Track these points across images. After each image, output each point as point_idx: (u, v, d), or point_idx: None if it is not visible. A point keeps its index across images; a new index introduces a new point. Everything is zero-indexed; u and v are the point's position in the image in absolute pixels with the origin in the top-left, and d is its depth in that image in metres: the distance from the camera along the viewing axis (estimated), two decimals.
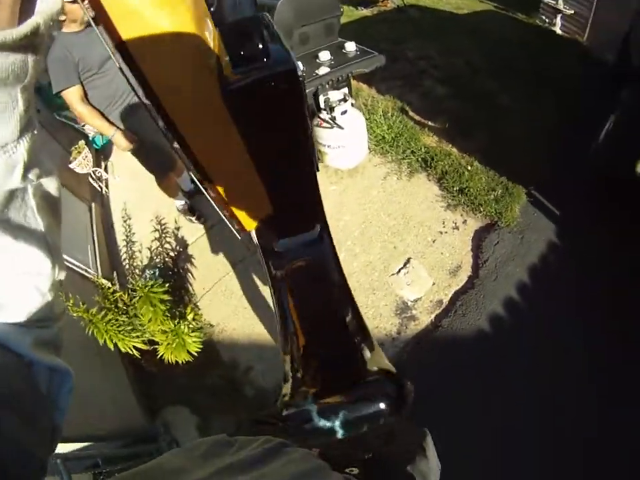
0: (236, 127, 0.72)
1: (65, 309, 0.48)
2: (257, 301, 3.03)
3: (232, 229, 1.24)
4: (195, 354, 2.56)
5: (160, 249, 3.55)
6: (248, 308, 3.03)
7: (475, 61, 5.05)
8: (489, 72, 4.80)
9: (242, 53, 0.72)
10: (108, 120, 2.79)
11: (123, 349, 2.49)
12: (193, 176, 1.04)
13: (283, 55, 0.73)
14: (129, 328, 2.55)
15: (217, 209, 1.14)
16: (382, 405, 0.99)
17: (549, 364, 2.43)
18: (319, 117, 3.12)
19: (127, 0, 0.56)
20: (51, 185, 0.42)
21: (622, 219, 2.94)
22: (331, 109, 3.02)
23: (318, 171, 1.04)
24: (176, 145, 0.74)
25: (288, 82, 0.71)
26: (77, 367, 2.43)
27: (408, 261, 3.04)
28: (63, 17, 2.78)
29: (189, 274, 3.35)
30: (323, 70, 2.76)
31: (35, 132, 0.38)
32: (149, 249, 3.59)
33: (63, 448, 1.88)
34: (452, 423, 2.26)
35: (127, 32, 0.58)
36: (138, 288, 2.56)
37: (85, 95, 2.69)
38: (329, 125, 3.10)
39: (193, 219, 3.60)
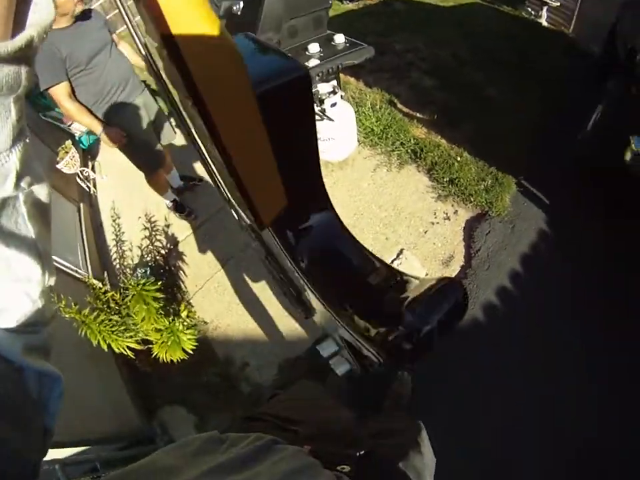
0: (265, 126, 0.78)
1: (55, 313, 0.48)
2: (250, 297, 3.01)
3: (246, 228, 1.26)
4: (190, 352, 2.54)
5: (150, 247, 3.52)
6: (241, 304, 3.01)
7: (461, 53, 5.06)
8: (475, 64, 4.82)
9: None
10: (96, 117, 2.74)
11: (116, 350, 2.47)
12: (220, 184, 1.08)
13: (295, 63, 0.83)
14: (122, 328, 2.53)
15: (234, 209, 1.16)
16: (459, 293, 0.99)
17: (542, 352, 2.45)
18: None
19: None
20: (41, 191, 0.42)
21: (607, 206, 2.98)
22: (321, 101, 3.01)
23: None
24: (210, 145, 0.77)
25: (303, 84, 0.81)
26: (71, 369, 2.42)
27: (400, 252, 3.04)
28: None
29: (181, 271, 3.32)
30: (313, 62, 2.75)
31: (27, 140, 0.38)
32: (139, 247, 3.56)
33: (60, 453, 1.86)
34: (447, 413, 2.28)
35: (176, 27, 0.60)
36: (130, 286, 2.53)
37: (73, 91, 2.65)
38: (319, 117, 3.09)
39: (183, 215, 3.57)
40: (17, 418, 0.39)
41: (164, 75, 0.86)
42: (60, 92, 2.58)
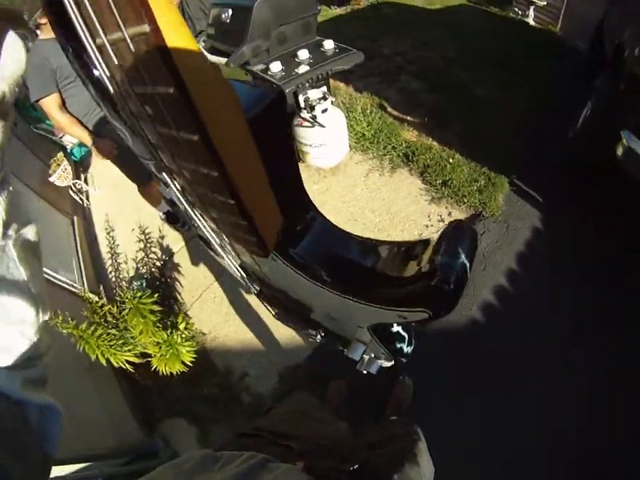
0: (257, 146, 0.83)
1: (51, 345, 0.49)
2: (248, 306, 3.00)
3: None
4: (189, 364, 2.53)
5: (145, 259, 3.51)
6: (238, 314, 3.00)
7: (449, 55, 5.10)
8: (463, 64, 4.85)
9: None
10: (87, 128, 2.73)
11: (115, 364, 2.46)
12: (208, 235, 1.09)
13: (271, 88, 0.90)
14: (120, 342, 2.52)
15: (229, 249, 1.18)
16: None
17: (539, 350, 2.46)
18: (300, 116, 3.11)
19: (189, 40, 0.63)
20: (29, 232, 0.43)
21: (599, 202, 3.01)
22: (312, 108, 3.01)
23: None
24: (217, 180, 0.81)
25: (281, 102, 0.90)
26: (71, 385, 2.40)
27: None
28: (44, 20, 2.72)
29: (177, 283, 3.31)
30: (303, 68, 2.75)
31: (10, 188, 0.39)
32: (134, 259, 3.54)
33: (62, 470, 1.85)
34: (446, 413, 2.28)
35: (187, 72, 0.62)
36: (127, 300, 2.52)
37: (63, 103, 2.64)
38: (310, 124, 3.10)
39: (177, 226, 3.55)
40: (16, 449, 0.40)
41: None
42: (50, 104, 2.57)
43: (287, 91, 2.70)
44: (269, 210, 1.00)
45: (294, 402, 1.49)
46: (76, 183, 4.06)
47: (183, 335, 2.59)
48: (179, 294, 3.25)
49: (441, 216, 3.25)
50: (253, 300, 2.99)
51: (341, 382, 2.45)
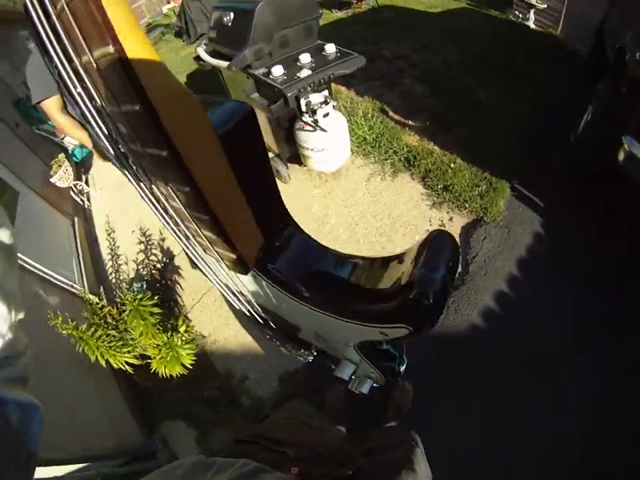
0: (229, 162, 0.87)
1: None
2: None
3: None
4: (189, 366, 2.53)
5: (146, 261, 3.51)
6: (239, 317, 3.00)
7: (450, 58, 5.11)
8: (464, 68, 4.86)
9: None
10: (88, 130, 2.73)
11: (115, 365, 2.45)
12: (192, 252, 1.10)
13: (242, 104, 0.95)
14: (120, 343, 2.52)
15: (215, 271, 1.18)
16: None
17: (541, 356, 2.45)
18: (302, 121, 3.12)
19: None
20: (3, 235, 0.44)
21: (601, 208, 3.00)
22: (313, 112, 3.01)
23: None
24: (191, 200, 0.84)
25: (250, 117, 0.92)
26: (70, 385, 2.40)
27: None
28: None
29: (178, 285, 3.31)
30: (305, 72, 2.75)
31: None
32: (135, 261, 3.54)
33: (61, 470, 1.84)
34: (448, 418, 2.27)
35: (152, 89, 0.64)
36: (127, 302, 2.52)
37: (65, 105, 2.64)
38: (312, 128, 3.09)
39: None
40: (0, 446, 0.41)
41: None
42: (51, 106, 2.57)
43: (289, 94, 2.71)
44: (246, 224, 1.02)
45: (290, 409, 1.50)
46: (77, 184, 4.06)
47: (183, 338, 2.59)
48: (180, 296, 3.25)
49: (442, 221, 3.25)
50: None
51: (339, 387, 2.45)
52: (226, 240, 0.92)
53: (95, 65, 0.62)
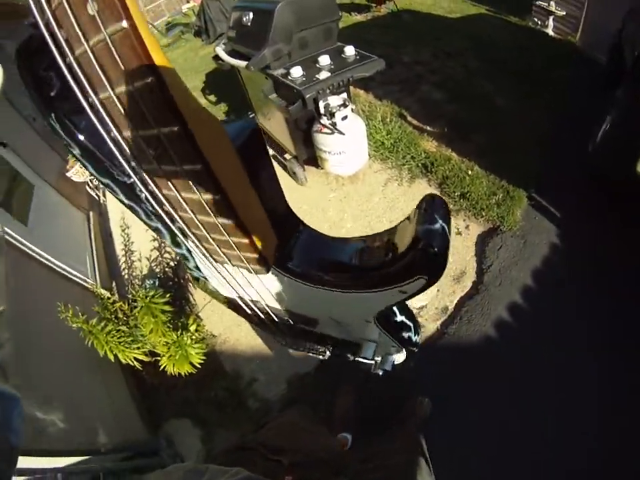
0: (245, 170, 0.95)
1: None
2: None
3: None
4: (198, 365, 2.52)
5: (159, 258, 3.51)
6: None
7: (469, 64, 5.07)
8: (483, 74, 4.82)
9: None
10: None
11: (123, 360, 2.46)
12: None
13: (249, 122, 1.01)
14: (130, 339, 2.52)
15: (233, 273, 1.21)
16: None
17: (555, 368, 2.41)
18: (320, 123, 3.10)
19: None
20: None
21: (620, 218, 2.94)
22: (332, 115, 2.99)
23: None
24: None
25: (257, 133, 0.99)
26: (77, 379, 2.40)
27: None
28: None
29: (190, 284, 3.30)
30: (324, 74, 2.73)
31: None
32: (148, 258, 3.55)
33: (64, 462, 1.85)
34: (458, 429, 2.24)
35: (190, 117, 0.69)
36: (139, 298, 2.52)
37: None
38: (330, 131, 3.08)
39: None
40: None
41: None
42: None
43: (307, 96, 2.69)
44: (263, 225, 1.10)
45: (289, 415, 1.50)
46: (93, 178, 4.09)
47: (193, 337, 2.59)
48: (191, 295, 3.24)
49: (458, 228, 3.21)
50: None
51: (348, 390, 2.43)
52: (250, 241, 0.99)
53: (127, 95, 0.67)
